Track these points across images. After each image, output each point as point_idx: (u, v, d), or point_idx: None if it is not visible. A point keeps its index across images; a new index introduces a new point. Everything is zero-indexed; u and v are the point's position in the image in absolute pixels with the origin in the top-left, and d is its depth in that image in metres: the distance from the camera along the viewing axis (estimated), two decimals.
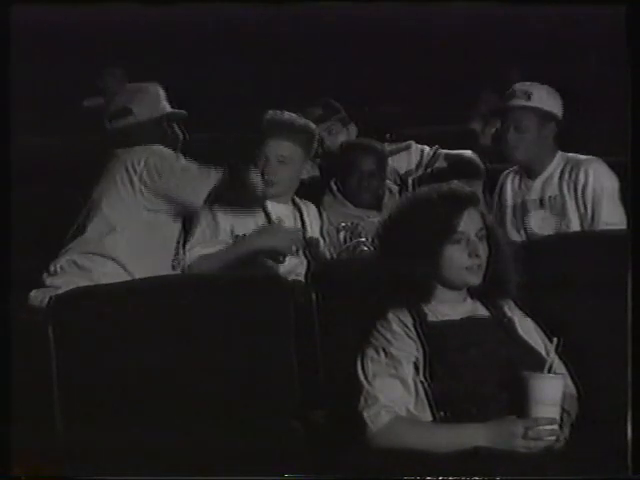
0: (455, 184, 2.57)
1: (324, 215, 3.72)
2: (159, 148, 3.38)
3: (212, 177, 3.32)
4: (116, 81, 6.56)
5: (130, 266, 3.27)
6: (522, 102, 3.67)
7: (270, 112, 3.54)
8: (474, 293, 2.56)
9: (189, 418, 2.57)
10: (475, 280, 2.50)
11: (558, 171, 3.69)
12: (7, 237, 2.47)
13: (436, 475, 2.30)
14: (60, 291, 3.08)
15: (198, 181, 3.31)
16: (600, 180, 3.62)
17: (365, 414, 2.39)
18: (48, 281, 3.26)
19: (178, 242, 3.39)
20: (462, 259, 2.48)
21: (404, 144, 4.31)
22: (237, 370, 2.63)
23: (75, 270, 3.26)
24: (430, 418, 2.41)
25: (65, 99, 6.06)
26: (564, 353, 2.43)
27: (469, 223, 2.49)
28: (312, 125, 3.59)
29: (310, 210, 3.66)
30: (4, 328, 2.42)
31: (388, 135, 4.59)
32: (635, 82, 2.46)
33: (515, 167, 3.79)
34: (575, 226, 3.62)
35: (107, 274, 3.23)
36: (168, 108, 3.50)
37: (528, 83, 3.75)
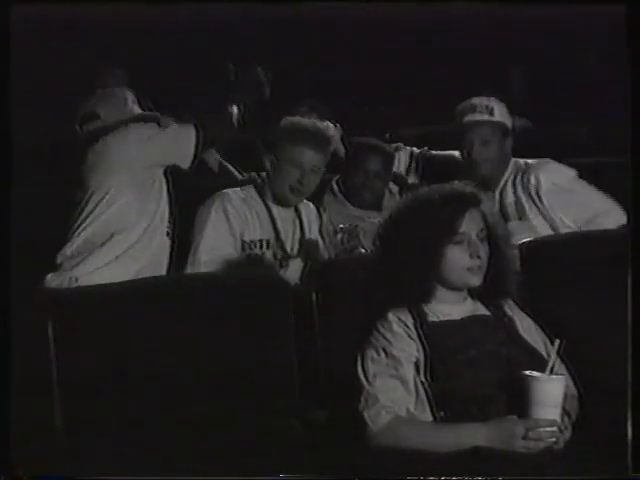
0: (457, 184, 2.56)
1: (324, 216, 3.71)
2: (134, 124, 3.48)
3: (191, 133, 3.42)
4: (116, 81, 6.57)
5: (132, 232, 3.35)
6: (486, 117, 3.69)
7: (298, 119, 3.56)
8: (474, 293, 2.55)
9: (189, 418, 2.57)
10: (476, 281, 2.49)
11: (511, 178, 3.72)
12: (7, 237, 2.46)
13: (436, 475, 2.30)
14: (79, 269, 3.13)
15: (179, 141, 3.43)
16: (550, 180, 3.67)
17: (365, 414, 2.39)
18: (67, 264, 3.29)
19: (171, 211, 3.44)
20: (463, 260, 2.47)
21: (393, 145, 4.32)
22: (237, 370, 2.63)
23: (91, 247, 3.32)
24: (430, 418, 2.40)
25: (65, 99, 6.05)
26: (565, 353, 2.43)
27: (471, 224, 2.49)
28: (332, 131, 3.61)
29: (309, 211, 3.64)
30: (4, 328, 2.42)
31: (388, 135, 4.59)
32: (635, 82, 2.46)
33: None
34: (542, 230, 3.64)
35: (113, 246, 3.32)
36: (137, 110, 3.54)
37: (485, 98, 3.76)
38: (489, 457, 2.32)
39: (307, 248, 3.50)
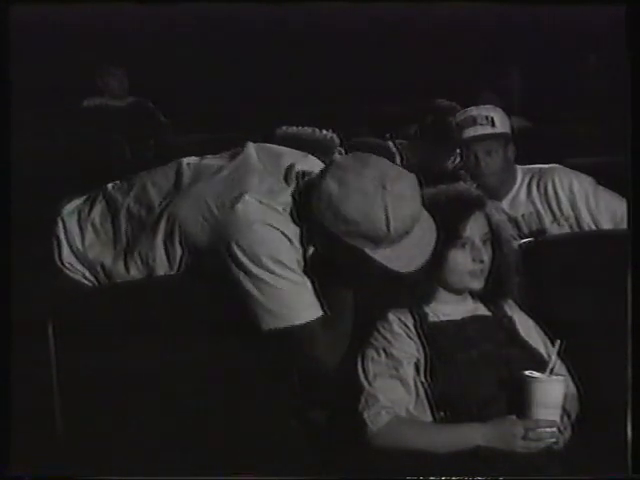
0: (462, 186, 2.55)
1: None
2: None
3: None
4: (116, 81, 6.58)
5: None
6: (489, 129, 3.62)
7: (294, 129, 3.34)
8: (475, 293, 2.55)
9: (189, 418, 2.57)
10: (477, 284, 2.49)
11: (524, 188, 3.67)
12: (7, 238, 2.46)
13: (436, 475, 2.30)
14: None
15: None
16: (568, 186, 3.61)
17: (365, 414, 2.39)
18: None
19: None
20: (466, 263, 2.47)
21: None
22: (237, 370, 2.62)
23: None
24: (430, 418, 2.41)
25: (65, 99, 6.06)
26: (565, 353, 2.43)
27: (475, 227, 2.48)
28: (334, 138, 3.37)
29: None
30: (4, 328, 2.42)
31: (388, 135, 4.59)
32: (635, 82, 2.46)
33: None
34: None
35: None
36: None
37: (482, 107, 3.71)
38: (489, 457, 2.32)
39: None
